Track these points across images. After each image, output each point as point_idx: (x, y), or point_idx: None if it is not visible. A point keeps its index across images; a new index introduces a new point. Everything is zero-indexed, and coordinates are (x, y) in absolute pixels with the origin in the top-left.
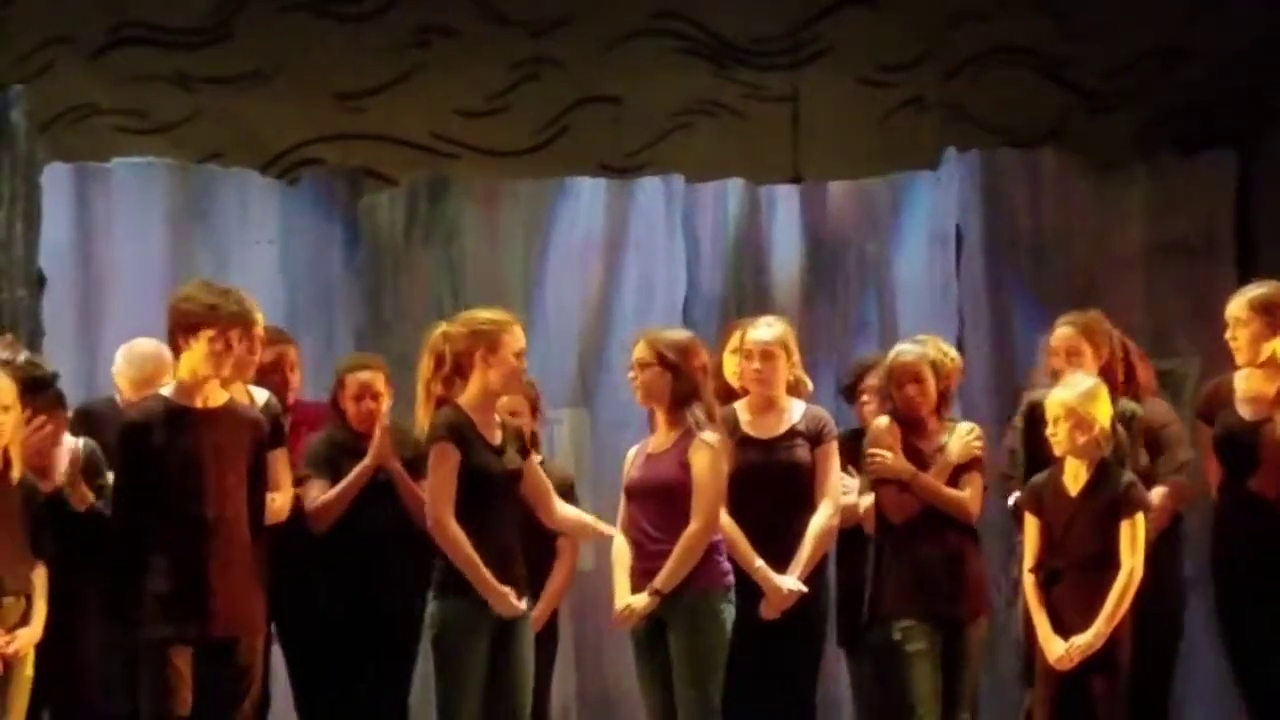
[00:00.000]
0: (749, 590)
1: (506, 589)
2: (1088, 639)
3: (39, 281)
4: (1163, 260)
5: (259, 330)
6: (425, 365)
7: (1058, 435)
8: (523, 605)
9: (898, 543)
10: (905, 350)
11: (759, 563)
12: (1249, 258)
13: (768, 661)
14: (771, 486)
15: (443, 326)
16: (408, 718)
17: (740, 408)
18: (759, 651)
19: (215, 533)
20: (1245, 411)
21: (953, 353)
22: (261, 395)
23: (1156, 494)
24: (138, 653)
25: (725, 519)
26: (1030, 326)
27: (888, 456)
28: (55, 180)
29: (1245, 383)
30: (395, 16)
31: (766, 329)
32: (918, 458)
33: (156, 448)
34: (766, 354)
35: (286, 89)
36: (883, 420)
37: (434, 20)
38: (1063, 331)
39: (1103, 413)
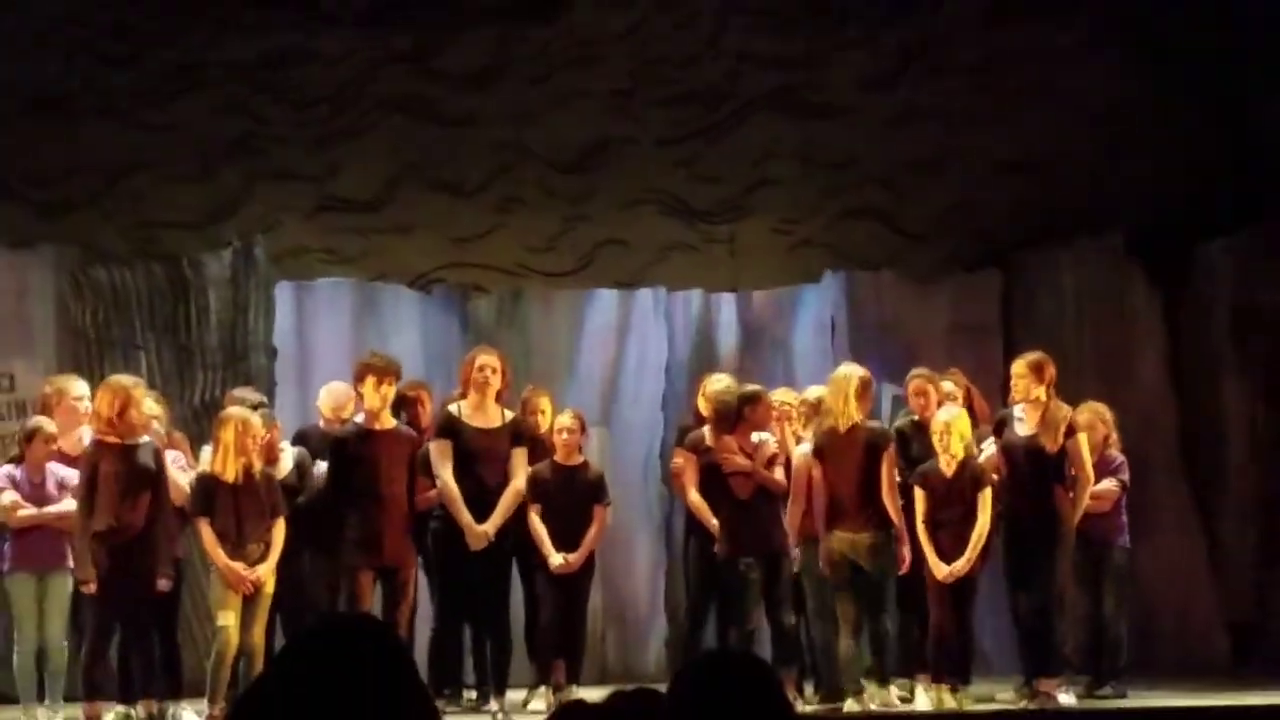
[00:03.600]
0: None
1: None
2: (961, 565)
3: (273, 353)
4: (958, 338)
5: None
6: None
7: (941, 442)
8: None
9: (742, 507)
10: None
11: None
12: (1010, 337)
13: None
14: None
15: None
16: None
17: (707, 430)
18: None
19: (386, 505)
20: (1020, 430)
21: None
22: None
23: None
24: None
25: (696, 498)
26: (878, 379)
27: (736, 457)
28: (282, 292)
29: (1019, 412)
30: (488, 194)
31: (716, 383)
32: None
33: (351, 454)
34: (714, 397)
35: (424, 236)
36: (703, 433)
37: (513, 194)
38: (915, 383)
39: (964, 424)
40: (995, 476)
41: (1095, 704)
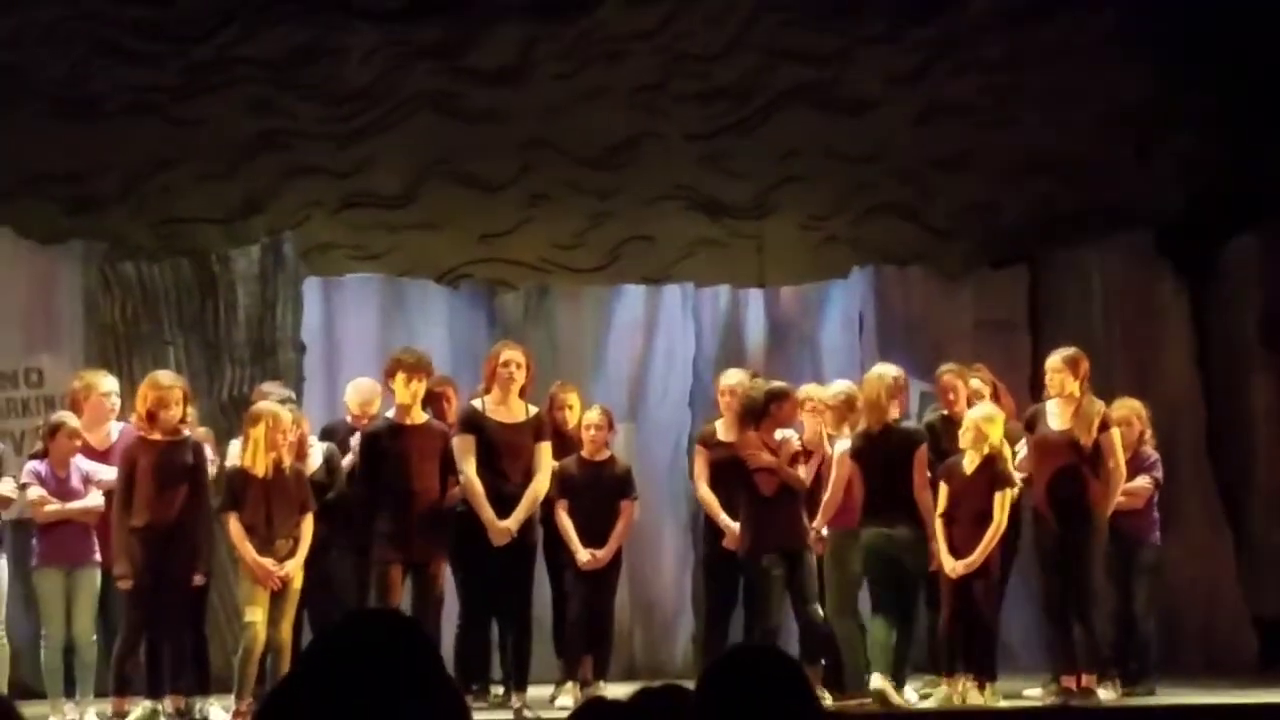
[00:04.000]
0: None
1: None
2: (971, 560)
3: (301, 348)
4: (985, 334)
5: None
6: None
7: (966, 438)
8: None
9: (766, 504)
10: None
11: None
12: (1037, 332)
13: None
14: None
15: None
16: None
17: (719, 424)
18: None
19: (418, 500)
20: (1054, 425)
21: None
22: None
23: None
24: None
25: (705, 492)
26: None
27: (759, 454)
28: (310, 287)
29: (1052, 407)
30: (516, 190)
31: (731, 377)
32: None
33: (382, 449)
34: (729, 390)
35: (452, 232)
36: (715, 427)
37: (540, 190)
38: (945, 378)
39: (995, 428)
40: (1022, 477)
41: (1123, 701)
